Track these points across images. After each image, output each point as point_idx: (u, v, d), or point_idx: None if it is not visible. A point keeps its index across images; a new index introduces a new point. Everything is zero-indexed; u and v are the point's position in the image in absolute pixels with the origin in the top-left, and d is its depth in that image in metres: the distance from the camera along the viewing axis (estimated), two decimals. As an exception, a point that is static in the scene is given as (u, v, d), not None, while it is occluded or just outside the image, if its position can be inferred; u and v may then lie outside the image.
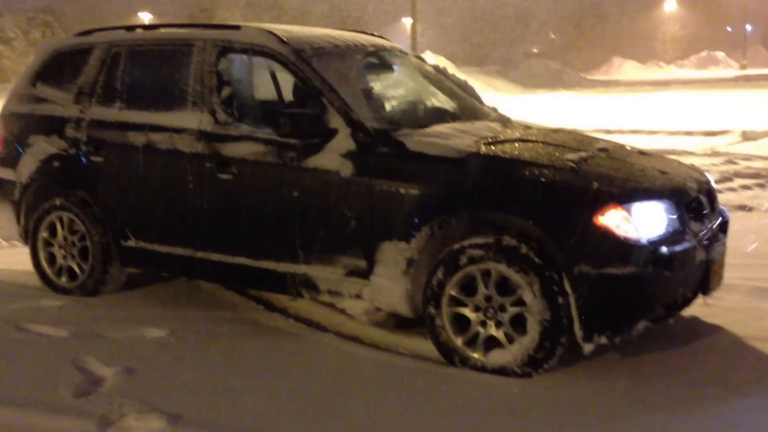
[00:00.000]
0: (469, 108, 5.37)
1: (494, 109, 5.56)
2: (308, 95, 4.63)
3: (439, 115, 5.04)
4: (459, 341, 4.14)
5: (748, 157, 12.09)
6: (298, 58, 4.72)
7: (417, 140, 4.33)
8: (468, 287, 4.11)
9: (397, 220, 4.23)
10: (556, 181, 4.00)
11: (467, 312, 4.12)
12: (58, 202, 5.50)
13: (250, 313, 5.15)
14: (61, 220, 5.53)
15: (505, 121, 5.26)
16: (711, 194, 4.51)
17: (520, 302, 3.97)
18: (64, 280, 5.56)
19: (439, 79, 5.63)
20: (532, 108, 21.39)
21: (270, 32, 4.91)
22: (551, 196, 3.96)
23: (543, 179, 4.00)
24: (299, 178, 4.51)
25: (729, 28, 74.22)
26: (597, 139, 5.09)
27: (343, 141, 4.40)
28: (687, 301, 4.22)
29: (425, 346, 4.41)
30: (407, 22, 55.78)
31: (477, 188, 4.12)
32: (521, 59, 52.52)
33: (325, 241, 4.50)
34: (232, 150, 4.76)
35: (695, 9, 73.31)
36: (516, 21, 67.41)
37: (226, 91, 4.94)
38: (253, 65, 5.39)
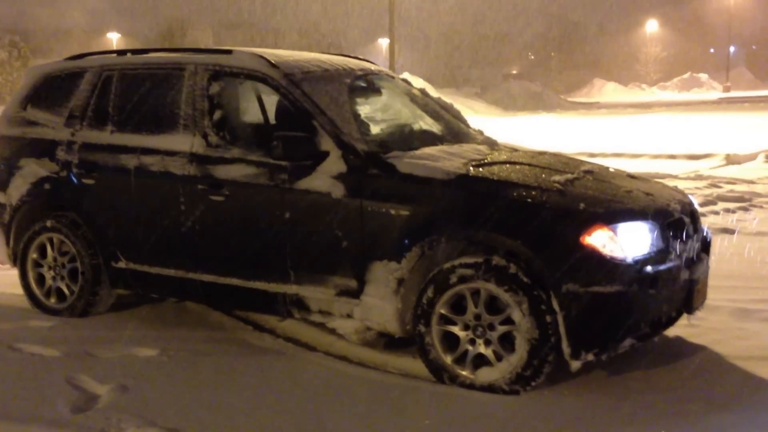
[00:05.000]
0: (455, 131, 5.46)
1: (480, 132, 5.65)
2: (299, 118, 4.71)
3: (428, 138, 5.13)
4: (448, 359, 4.21)
5: (731, 181, 12.21)
6: (289, 81, 4.82)
7: (407, 162, 4.42)
8: (458, 306, 4.19)
9: (387, 240, 4.31)
10: (543, 202, 4.09)
11: (457, 330, 4.19)
12: (48, 223, 5.53)
13: (240, 333, 5.19)
14: (51, 241, 5.56)
15: (491, 144, 5.37)
16: (694, 215, 4.62)
17: (508, 321, 4.05)
18: (53, 301, 5.59)
19: (425, 102, 5.72)
20: (512, 131, 21.34)
21: (261, 56, 5.00)
22: (539, 216, 4.04)
23: (530, 200, 4.10)
24: (291, 199, 4.58)
25: (712, 50, 74.92)
26: (582, 162, 5.20)
27: (335, 163, 4.48)
28: (672, 320, 4.34)
29: (414, 365, 4.49)
30: (383, 42, 56.12)
31: (466, 209, 4.20)
32: (500, 81, 52.72)
33: (316, 262, 4.57)
34: (224, 172, 4.82)
35: (678, 30, 74.03)
36: (494, 42, 67.77)
37: (217, 115, 5.01)
38: (245, 89, 5.48)
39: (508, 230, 4.08)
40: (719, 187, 11.60)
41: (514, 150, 5.27)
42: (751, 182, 12.10)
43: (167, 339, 5.02)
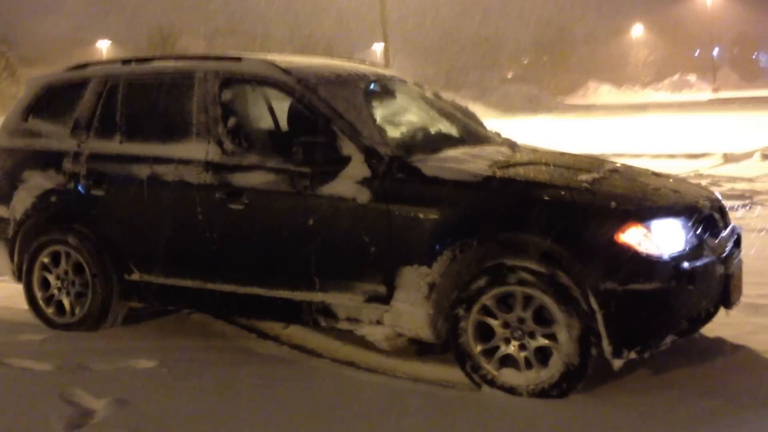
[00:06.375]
0: (474, 133, 5.37)
1: (498, 134, 5.55)
2: (316, 123, 4.61)
3: (448, 140, 5.04)
4: (477, 348, 4.13)
5: (731, 179, 12.28)
6: (304, 87, 4.72)
7: (432, 165, 4.35)
8: (503, 302, 4.09)
9: (416, 245, 4.21)
10: (574, 201, 4.07)
11: (495, 324, 4.09)
12: (56, 237, 5.37)
13: (242, 342, 5.09)
14: (58, 255, 5.40)
15: (512, 145, 5.28)
16: (722, 211, 4.60)
17: (552, 336, 3.97)
18: (61, 315, 5.41)
19: (441, 105, 5.62)
20: (512, 132, 21.31)
21: (272, 63, 4.91)
22: (571, 216, 4.01)
23: (561, 200, 4.07)
24: (314, 206, 4.48)
25: (697, 53, 75.42)
26: (605, 161, 5.16)
27: (358, 168, 4.39)
28: (710, 315, 4.29)
29: (422, 369, 4.46)
30: (377, 47, 56.02)
31: (498, 211, 4.15)
32: (497, 84, 52.72)
33: (342, 268, 4.47)
34: (242, 180, 4.71)
35: (662, 33, 74.45)
36: (489, 47, 67.82)
37: (231, 122, 4.89)
38: (256, 95, 5.35)
39: (541, 231, 4.01)
40: (720, 185, 11.62)
41: (535, 151, 5.20)
42: (751, 180, 12.21)
43: (166, 349, 4.87)
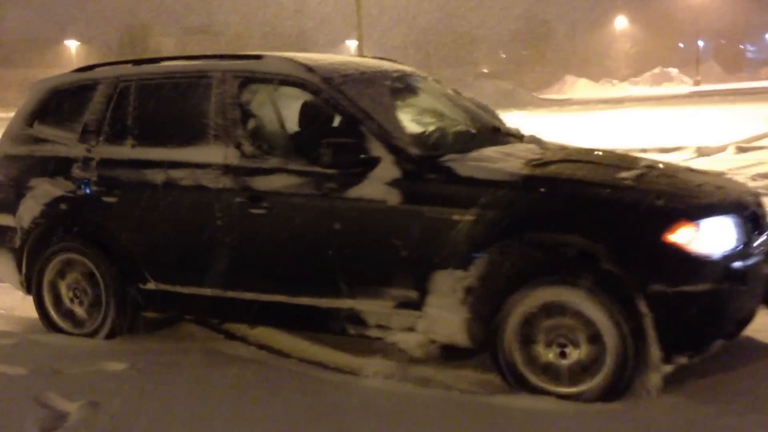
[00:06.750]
0: (498, 130, 5.19)
1: (517, 131, 5.40)
2: (343, 124, 4.47)
3: (476, 139, 4.86)
4: (519, 353, 3.97)
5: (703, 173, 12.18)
6: (329, 86, 4.55)
7: (465, 165, 4.20)
8: (546, 306, 3.91)
9: (452, 247, 4.05)
10: (619, 200, 3.94)
11: (539, 329, 3.93)
12: (66, 246, 5.17)
13: (211, 343, 5.03)
14: (70, 263, 5.20)
15: (539, 143, 5.10)
16: (762, 207, 4.44)
17: (597, 342, 3.82)
18: (74, 326, 5.22)
19: (462, 102, 5.46)
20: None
21: (295, 60, 4.73)
22: (617, 215, 3.87)
23: (606, 199, 3.95)
24: (341, 209, 4.31)
25: (681, 45, 75.76)
26: (637, 157, 5.04)
27: (388, 169, 4.23)
28: (752, 316, 4.13)
29: (388, 367, 4.41)
30: (351, 44, 55.71)
31: (540, 211, 4.00)
32: (472, 80, 52.60)
33: (372, 273, 4.30)
34: (263, 183, 4.53)
35: (647, 26, 74.68)
36: (465, 42, 67.77)
37: (251, 123, 4.71)
38: (277, 95, 5.11)
39: (585, 232, 3.87)
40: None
41: (563, 148, 5.04)
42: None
43: (136, 352, 4.82)
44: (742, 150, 14.52)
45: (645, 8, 73.88)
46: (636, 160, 4.78)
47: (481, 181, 4.08)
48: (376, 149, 4.27)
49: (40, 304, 5.30)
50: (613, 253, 3.77)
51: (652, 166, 4.54)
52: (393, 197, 4.17)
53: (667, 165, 4.78)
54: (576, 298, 3.82)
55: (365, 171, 4.25)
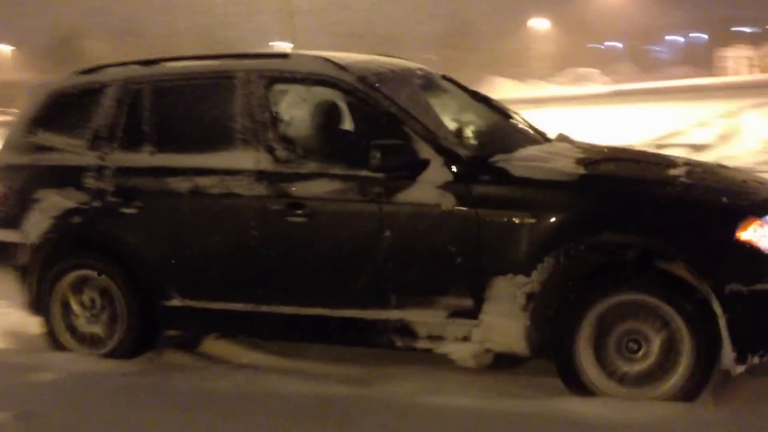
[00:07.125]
0: (530, 129, 5.10)
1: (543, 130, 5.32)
2: (385, 125, 4.26)
3: (515, 139, 4.76)
4: (590, 361, 3.89)
5: None
6: (366, 85, 4.35)
7: (519, 165, 4.08)
8: (615, 311, 3.85)
9: (511, 252, 3.91)
10: (685, 198, 3.91)
11: (609, 334, 3.87)
12: (81, 261, 4.87)
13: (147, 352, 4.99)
14: (85, 281, 4.89)
15: (571, 142, 5.01)
16: None
17: (670, 345, 3.77)
18: (91, 347, 4.92)
19: (487, 101, 5.33)
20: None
21: (326, 59, 4.52)
22: (687, 214, 3.80)
23: (673, 197, 3.89)
24: (390, 214, 4.13)
25: (603, 46, 77.63)
26: (669, 155, 5.00)
27: (438, 171, 4.06)
28: None
29: (329, 369, 4.48)
30: (277, 45, 55.00)
31: (605, 212, 3.90)
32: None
33: (423, 282, 4.13)
34: (302, 189, 4.31)
35: (565, 27, 76.11)
36: (388, 42, 67.77)
37: (282, 126, 4.50)
38: (306, 96, 4.84)
39: (654, 232, 3.79)
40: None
41: (595, 146, 4.97)
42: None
43: (69, 362, 4.77)
44: (660, 147, 14.67)
45: (564, 10, 75.39)
46: (670, 158, 4.75)
47: (539, 182, 3.97)
48: (424, 151, 4.11)
49: (49, 324, 4.98)
50: (686, 252, 3.71)
51: (690, 163, 4.51)
52: (447, 201, 4.02)
53: (702, 163, 4.75)
54: (651, 301, 3.75)
55: (414, 174, 4.09)
